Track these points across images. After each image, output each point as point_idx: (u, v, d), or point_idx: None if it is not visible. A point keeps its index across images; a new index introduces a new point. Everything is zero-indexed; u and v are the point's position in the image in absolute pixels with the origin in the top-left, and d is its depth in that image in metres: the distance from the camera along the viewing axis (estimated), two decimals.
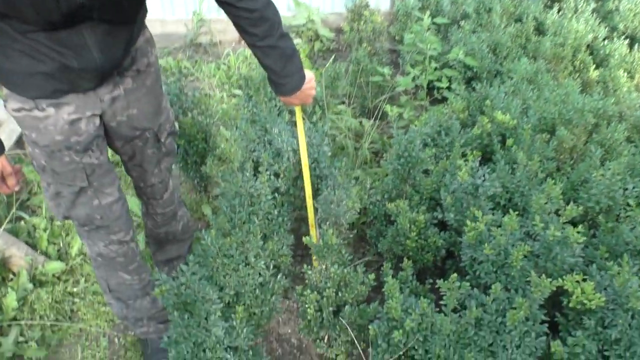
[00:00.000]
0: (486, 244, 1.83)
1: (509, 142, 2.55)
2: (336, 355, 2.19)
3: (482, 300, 1.82)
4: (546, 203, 2.01)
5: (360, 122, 3.38)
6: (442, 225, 2.34)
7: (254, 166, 2.34)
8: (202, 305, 1.64)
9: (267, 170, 2.21)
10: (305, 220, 2.39)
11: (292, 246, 2.28)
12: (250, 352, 1.82)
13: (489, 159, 2.67)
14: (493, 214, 2.20)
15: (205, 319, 1.65)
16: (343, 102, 3.53)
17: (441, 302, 1.79)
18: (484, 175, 2.10)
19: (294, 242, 2.28)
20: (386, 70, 3.46)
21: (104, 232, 1.82)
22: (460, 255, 2.24)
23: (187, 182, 3.18)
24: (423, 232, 2.23)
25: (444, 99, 3.31)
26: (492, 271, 1.87)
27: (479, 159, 2.24)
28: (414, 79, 3.34)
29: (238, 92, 3.92)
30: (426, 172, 2.52)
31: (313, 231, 2.29)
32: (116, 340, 2.31)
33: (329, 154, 2.27)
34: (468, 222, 1.95)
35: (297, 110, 2.09)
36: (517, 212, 2.23)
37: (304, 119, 2.81)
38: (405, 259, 2.12)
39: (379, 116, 3.42)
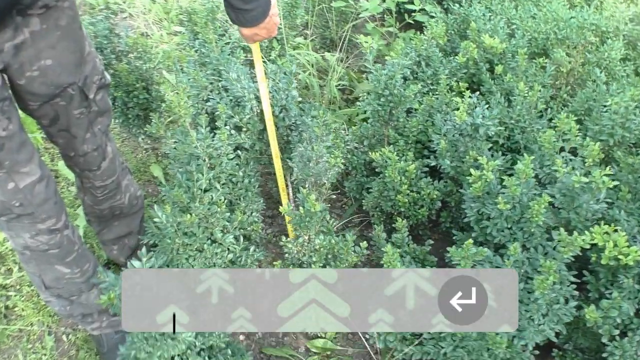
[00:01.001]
0: (500, 197, 1.54)
1: (498, 69, 2.23)
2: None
3: (497, 263, 1.55)
4: (556, 140, 1.73)
5: (323, 57, 2.99)
6: (434, 173, 2.04)
7: (209, 120, 1.94)
8: None
9: (226, 124, 1.83)
10: (273, 175, 2.04)
11: (263, 211, 1.95)
12: (229, 351, 1.51)
13: (476, 90, 2.36)
14: (492, 155, 1.91)
15: None
16: (302, 35, 3.10)
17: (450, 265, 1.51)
18: (482, 113, 1.78)
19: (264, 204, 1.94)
20: None
21: (28, 221, 1.44)
22: (458, 207, 1.96)
23: (129, 140, 2.75)
24: (415, 183, 1.92)
25: (417, 24, 2.93)
26: (505, 227, 1.59)
27: (477, 94, 1.91)
28: (381, 2, 2.93)
29: (180, 29, 3.43)
30: (409, 111, 2.19)
31: (283, 194, 1.95)
32: (64, 337, 1.96)
33: (299, 99, 1.90)
34: (472, 170, 1.65)
35: (255, 48, 1.70)
36: (519, 153, 1.95)
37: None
38: (398, 218, 1.82)
39: (342, 48, 3.03)
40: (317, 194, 1.73)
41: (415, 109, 2.11)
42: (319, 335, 1.91)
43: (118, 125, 2.54)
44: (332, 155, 1.67)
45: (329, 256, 1.64)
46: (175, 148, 1.76)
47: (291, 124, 1.91)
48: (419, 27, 2.90)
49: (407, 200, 1.87)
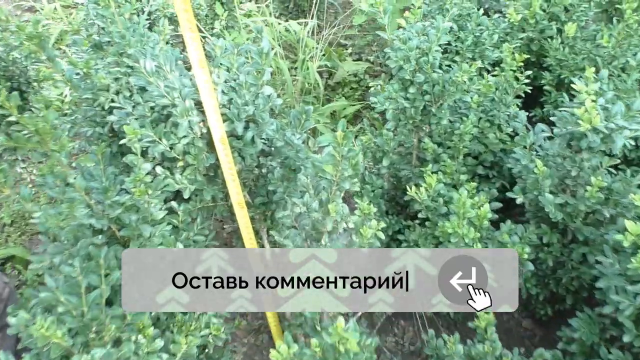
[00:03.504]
0: None
1: (570, 29, 1.44)
2: None
3: None
4: None
5: (287, 29, 2.12)
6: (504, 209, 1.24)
7: (114, 149, 1.07)
8: None
9: (148, 157, 0.96)
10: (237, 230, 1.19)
11: None
12: None
13: (533, 63, 1.56)
14: (614, 174, 1.13)
15: None
16: None
17: None
18: (619, 111, 0.98)
19: None
20: None
21: None
22: (555, 270, 1.18)
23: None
24: (489, 234, 1.11)
25: None
26: None
27: (594, 74, 1.11)
28: None
29: None
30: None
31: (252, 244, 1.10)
32: None
33: (279, 102, 1.03)
34: (628, 224, 0.85)
35: (184, 12, 0.84)
36: None
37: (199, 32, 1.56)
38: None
39: (313, 14, 2.16)
40: None
41: (467, 104, 1.30)
42: None
43: None
44: (361, 210, 0.83)
45: None
46: (44, 219, 0.87)
47: (271, 148, 1.05)
48: None
49: None
